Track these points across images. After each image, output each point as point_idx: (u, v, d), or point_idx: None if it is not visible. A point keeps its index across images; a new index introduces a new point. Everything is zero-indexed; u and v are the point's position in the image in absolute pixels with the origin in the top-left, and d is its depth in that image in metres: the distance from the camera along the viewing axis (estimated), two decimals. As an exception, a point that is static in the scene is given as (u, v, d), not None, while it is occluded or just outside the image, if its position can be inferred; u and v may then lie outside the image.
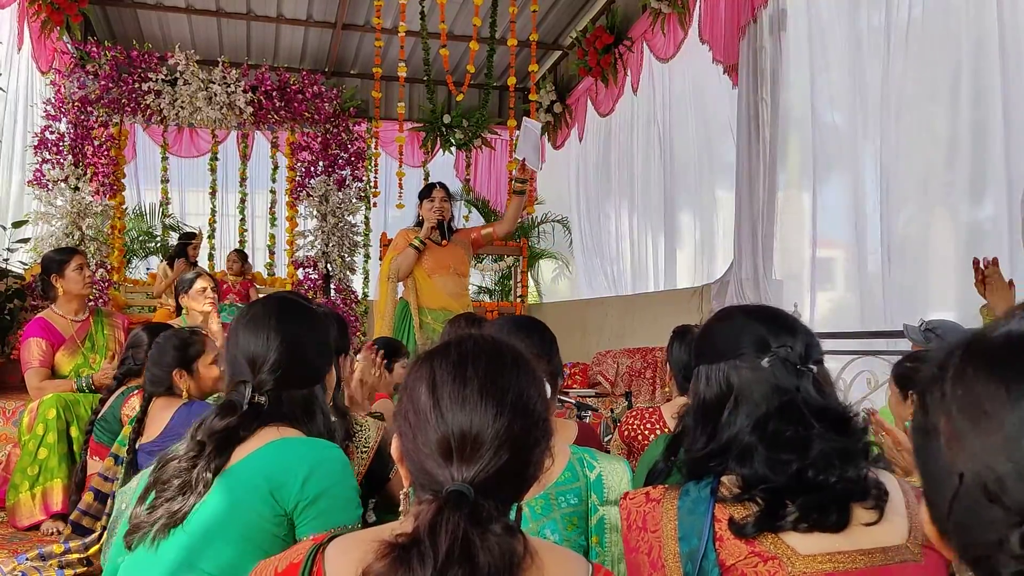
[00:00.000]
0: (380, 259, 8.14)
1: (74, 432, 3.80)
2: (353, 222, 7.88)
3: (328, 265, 7.71)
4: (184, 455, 1.50)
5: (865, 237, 4.94)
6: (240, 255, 7.93)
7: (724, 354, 1.33)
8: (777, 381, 1.27)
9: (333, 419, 1.73)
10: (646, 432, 2.48)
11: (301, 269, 7.70)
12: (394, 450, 1.06)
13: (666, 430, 2.43)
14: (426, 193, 4.78)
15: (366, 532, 1.08)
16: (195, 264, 7.13)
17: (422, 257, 4.65)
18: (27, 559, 2.74)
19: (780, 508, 1.20)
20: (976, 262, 3.17)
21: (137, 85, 7.06)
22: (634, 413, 2.57)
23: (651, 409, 2.56)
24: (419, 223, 4.75)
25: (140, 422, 2.79)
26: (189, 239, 7.76)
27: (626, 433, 2.55)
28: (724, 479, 1.28)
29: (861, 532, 1.22)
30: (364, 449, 2.08)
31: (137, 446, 2.72)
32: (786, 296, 5.40)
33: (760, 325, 1.33)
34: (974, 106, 4.25)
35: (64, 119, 6.85)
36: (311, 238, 7.72)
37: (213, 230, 9.82)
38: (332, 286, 7.74)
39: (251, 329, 1.64)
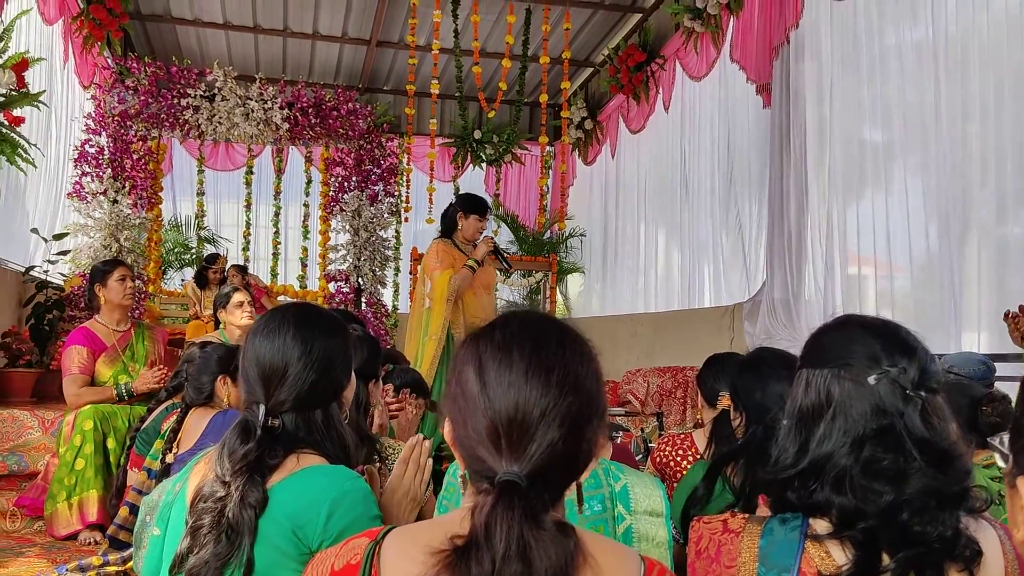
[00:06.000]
0: (411, 273, 8.22)
1: (111, 443, 3.88)
2: (384, 236, 7.94)
3: (359, 279, 7.78)
4: (211, 496, 1.40)
5: (897, 255, 4.91)
6: (240, 269, 8.07)
7: (829, 361, 1.23)
8: (880, 402, 1.17)
9: (349, 436, 1.59)
10: (678, 459, 2.48)
11: (333, 282, 7.77)
12: (447, 434, 1.05)
13: (698, 456, 2.43)
14: (480, 210, 4.66)
15: (422, 529, 1.07)
16: (223, 283, 7.23)
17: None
18: (67, 569, 2.80)
19: (876, 560, 1.10)
20: (1007, 315, 3.08)
21: (176, 100, 7.18)
22: (666, 440, 2.58)
23: (683, 435, 2.57)
24: (447, 232, 4.68)
25: (175, 433, 2.86)
26: (211, 263, 7.89)
27: (658, 460, 2.55)
28: (812, 521, 1.17)
29: None
30: None
31: (171, 458, 2.78)
32: (817, 315, 5.35)
33: (875, 340, 1.22)
34: (1008, 125, 4.22)
35: (104, 133, 6.98)
36: (343, 252, 7.79)
37: (247, 242, 9.95)
38: (363, 299, 7.81)
39: (267, 340, 1.51)
